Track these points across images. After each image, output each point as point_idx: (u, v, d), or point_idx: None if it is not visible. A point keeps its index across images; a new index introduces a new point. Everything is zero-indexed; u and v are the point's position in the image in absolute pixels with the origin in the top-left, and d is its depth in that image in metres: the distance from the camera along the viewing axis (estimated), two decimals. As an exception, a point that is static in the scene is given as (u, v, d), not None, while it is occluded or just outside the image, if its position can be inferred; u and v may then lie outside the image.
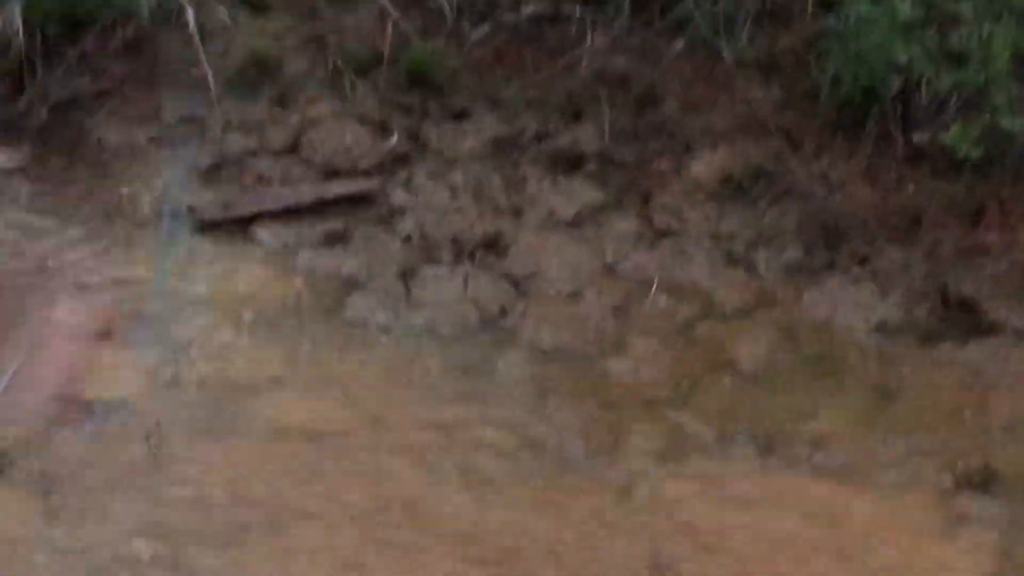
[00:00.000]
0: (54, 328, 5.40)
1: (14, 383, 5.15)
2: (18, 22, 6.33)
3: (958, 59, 5.89)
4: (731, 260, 5.90)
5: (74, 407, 5.06)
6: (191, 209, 6.06)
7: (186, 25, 6.50)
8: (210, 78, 6.42)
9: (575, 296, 5.76)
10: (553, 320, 5.63)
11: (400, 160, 6.36)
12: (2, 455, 4.83)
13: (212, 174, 6.27)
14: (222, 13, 6.66)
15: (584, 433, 5.09)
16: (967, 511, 4.79)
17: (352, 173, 6.32)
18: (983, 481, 4.87)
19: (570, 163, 6.30)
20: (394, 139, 6.38)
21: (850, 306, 5.66)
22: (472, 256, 5.90)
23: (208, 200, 6.10)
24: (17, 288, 5.61)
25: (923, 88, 5.98)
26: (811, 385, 5.35)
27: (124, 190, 6.14)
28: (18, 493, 4.73)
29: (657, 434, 5.11)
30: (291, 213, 6.06)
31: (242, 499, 4.76)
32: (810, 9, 6.36)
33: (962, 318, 5.57)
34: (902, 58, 5.91)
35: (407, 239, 6.00)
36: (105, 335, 5.40)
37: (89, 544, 4.56)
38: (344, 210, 6.12)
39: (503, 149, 6.36)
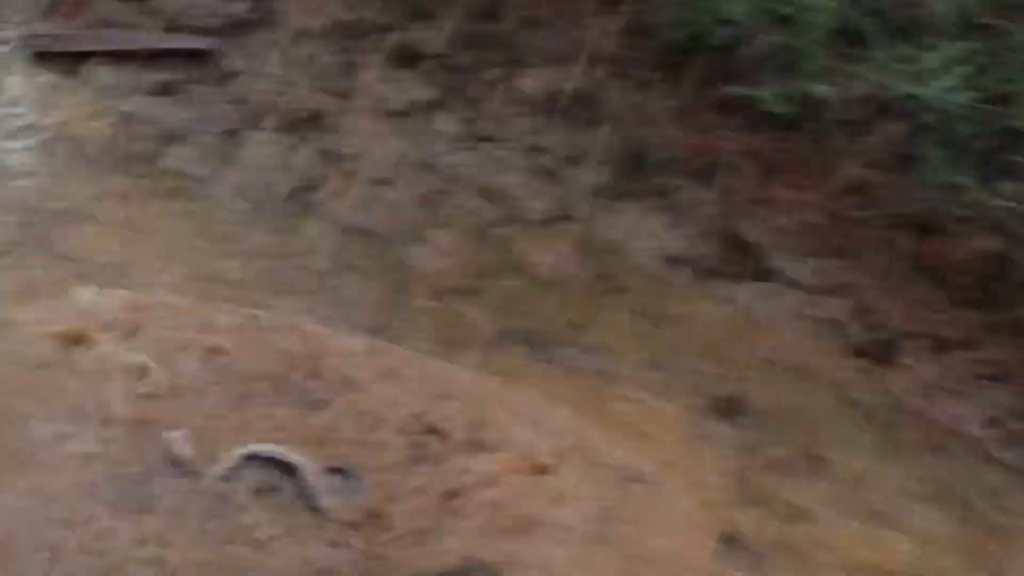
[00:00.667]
0: None
1: None
2: None
3: (783, 21, 6.19)
4: (541, 173, 6.16)
5: None
6: (28, 40, 6.17)
7: None
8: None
9: (388, 182, 5.99)
10: (362, 201, 5.86)
11: (243, 26, 6.53)
12: None
13: (56, 9, 6.39)
14: None
15: (370, 309, 5.33)
16: (710, 432, 5.12)
17: (196, 30, 6.47)
18: (730, 408, 5.21)
19: (407, 59, 6.53)
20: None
21: (642, 233, 5.96)
22: (295, 128, 6.11)
23: (47, 31, 6.22)
24: None
25: (746, 43, 6.28)
26: (593, 298, 5.64)
27: (-37, 11, 6.25)
28: None
29: (440, 320, 5.37)
30: (127, 57, 6.21)
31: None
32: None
33: (742, 260, 5.89)
34: (730, 12, 6.21)
35: (236, 101, 6.18)
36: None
37: None
38: (180, 64, 6.28)
39: (344, 34, 6.56)
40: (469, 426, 4.79)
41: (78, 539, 4.14)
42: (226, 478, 4.45)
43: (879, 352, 5.50)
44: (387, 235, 5.73)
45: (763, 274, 5.86)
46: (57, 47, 6.15)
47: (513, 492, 4.60)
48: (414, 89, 6.39)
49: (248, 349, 4.90)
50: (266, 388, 4.78)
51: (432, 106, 6.35)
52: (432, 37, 6.58)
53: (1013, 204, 5.58)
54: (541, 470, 4.71)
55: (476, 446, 4.73)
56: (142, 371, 4.71)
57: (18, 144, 5.69)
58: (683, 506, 4.76)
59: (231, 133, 6.02)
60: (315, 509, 4.42)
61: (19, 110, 5.86)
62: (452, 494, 4.53)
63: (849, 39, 6.06)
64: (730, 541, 4.66)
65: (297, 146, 6.03)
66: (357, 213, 5.79)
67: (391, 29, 6.60)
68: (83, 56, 6.15)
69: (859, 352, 5.50)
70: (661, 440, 5.01)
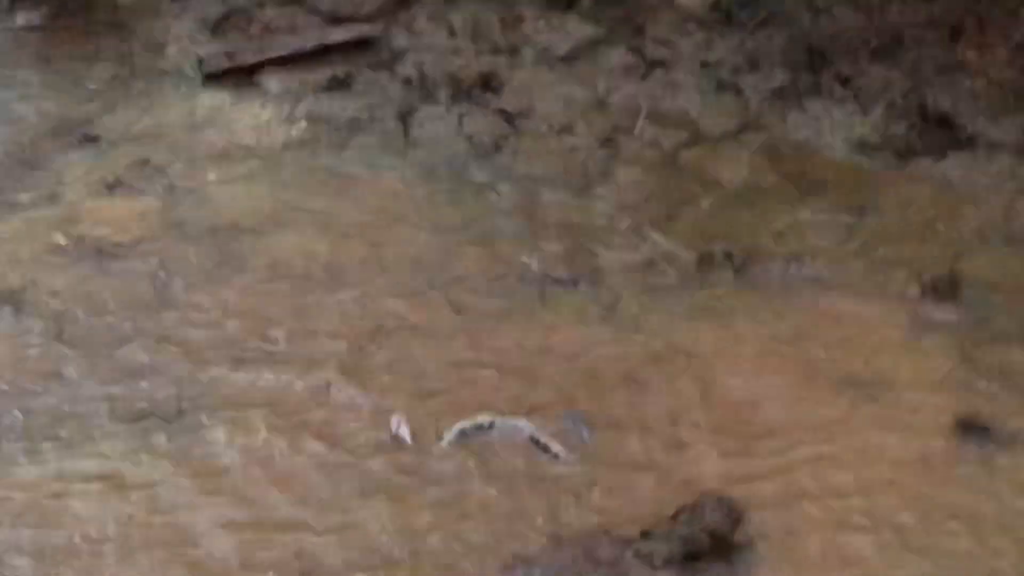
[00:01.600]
0: (69, 177, 5.70)
1: (31, 226, 5.46)
2: None
3: None
4: (719, 87, 6.08)
5: (85, 250, 5.36)
6: (200, 60, 6.33)
7: None
8: (219, -68, 6.69)
9: (566, 129, 5.97)
10: (544, 153, 5.85)
11: (402, 4, 6.58)
12: (18, 292, 5.12)
13: (220, 25, 6.57)
14: None
15: (568, 258, 5.30)
16: (931, 316, 4.96)
17: (356, 19, 6.55)
18: (948, 288, 5.03)
19: (565, 1, 6.49)
20: None
21: (831, 126, 5.82)
22: (468, 94, 6.13)
23: (215, 51, 6.37)
24: (34, 140, 5.93)
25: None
26: (790, 203, 5.51)
27: (137, 45, 6.45)
28: (35, 329, 5.01)
29: (639, 255, 5.32)
30: (295, 60, 6.32)
31: (245, 334, 5.00)
32: None
33: (939, 133, 5.70)
34: None
35: (407, 81, 6.24)
36: (116, 183, 5.68)
37: (101, 382, 4.82)
38: (347, 56, 6.37)
39: (501, -11, 6.58)
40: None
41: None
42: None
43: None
44: (572, 181, 5.70)
45: (963, 143, 5.67)
46: (227, 64, 6.29)
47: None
48: (577, 30, 6.36)
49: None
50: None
51: (598, 43, 6.31)
52: (587, -27, 6.53)
53: None
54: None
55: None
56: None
57: (205, 165, 5.81)
58: (916, 397, 4.64)
59: (407, 113, 6.07)
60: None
61: (202, 132, 6.01)
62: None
63: None
64: (969, 425, 4.52)
65: (473, 111, 6.05)
66: (540, 165, 5.78)
67: (546, -27, 6.57)
68: (253, 68, 6.28)
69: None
70: (884, 334, 4.88)
